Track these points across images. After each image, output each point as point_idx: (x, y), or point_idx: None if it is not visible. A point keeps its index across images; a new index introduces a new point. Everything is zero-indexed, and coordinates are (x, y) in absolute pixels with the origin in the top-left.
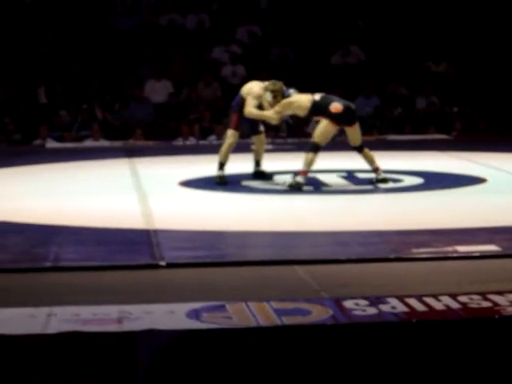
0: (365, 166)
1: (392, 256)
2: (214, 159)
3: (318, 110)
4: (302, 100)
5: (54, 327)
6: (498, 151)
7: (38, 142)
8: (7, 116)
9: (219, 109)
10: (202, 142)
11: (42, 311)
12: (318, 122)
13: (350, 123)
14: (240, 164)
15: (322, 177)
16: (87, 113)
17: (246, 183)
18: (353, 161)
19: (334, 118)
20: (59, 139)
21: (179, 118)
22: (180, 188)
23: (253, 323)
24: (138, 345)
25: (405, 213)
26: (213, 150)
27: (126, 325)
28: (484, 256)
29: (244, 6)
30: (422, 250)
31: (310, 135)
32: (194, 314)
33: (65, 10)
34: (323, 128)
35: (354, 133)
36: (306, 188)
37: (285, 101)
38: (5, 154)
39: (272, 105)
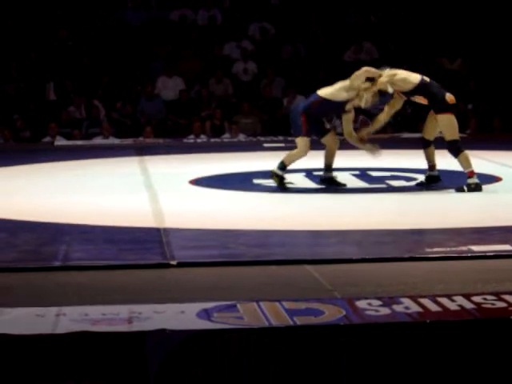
0: (377, 164)
1: (405, 256)
2: (226, 157)
3: (427, 93)
4: (407, 74)
5: (62, 327)
6: (496, 149)
7: (47, 139)
8: (16, 112)
9: (231, 106)
10: (213, 140)
11: (51, 311)
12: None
13: None
14: (252, 162)
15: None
16: (97, 110)
17: (257, 181)
18: (365, 159)
19: (451, 108)
20: (68, 137)
21: (190, 115)
22: (191, 186)
23: (264, 323)
24: (147, 345)
25: (418, 212)
26: (224, 147)
27: (136, 325)
28: (499, 255)
29: (256, 2)
30: (435, 249)
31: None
32: (205, 314)
33: (76, 6)
34: (449, 124)
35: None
36: (318, 187)
37: (389, 72)
38: (14, 152)
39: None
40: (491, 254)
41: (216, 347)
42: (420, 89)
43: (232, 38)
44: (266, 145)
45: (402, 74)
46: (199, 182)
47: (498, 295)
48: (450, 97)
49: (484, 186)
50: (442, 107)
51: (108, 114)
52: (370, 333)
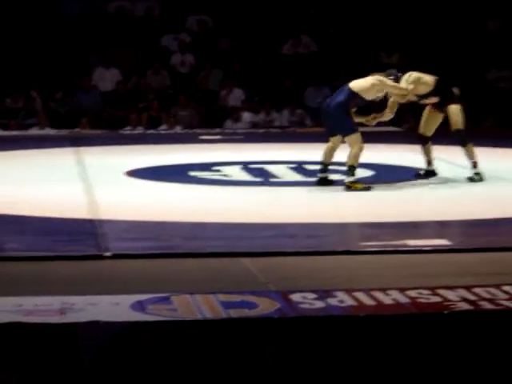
0: (313, 157)
1: (340, 249)
2: (162, 149)
3: (443, 90)
4: (426, 76)
5: None
6: (449, 144)
7: None
8: None
9: (168, 97)
10: (149, 132)
11: None
12: None
13: None
14: (188, 154)
15: (270, 168)
16: (34, 101)
17: (193, 173)
18: (302, 152)
19: (459, 100)
20: (4, 127)
21: (127, 106)
22: (127, 178)
23: (198, 316)
24: (80, 336)
25: (354, 205)
26: (161, 139)
27: (69, 316)
28: (434, 250)
29: None
30: (370, 243)
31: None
32: (139, 306)
33: None
34: (459, 114)
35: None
36: (254, 180)
37: (414, 75)
38: None
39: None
40: (427, 248)
41: (150, 339)
42: (435, 90)
43: (170, 30)
44: (202, 137)
45: (424, 77)
46: (135, 173)
47: (432, 290)
48: (456, 90)
49: (420, 181)
50: (450, 99)
51: (46, 105)
52: (303, 326)
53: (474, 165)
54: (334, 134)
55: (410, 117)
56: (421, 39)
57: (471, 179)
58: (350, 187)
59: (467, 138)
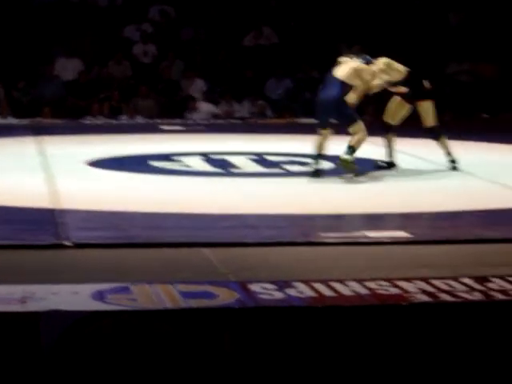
0: (274, 148)
1: (300, 240)
2: (123, 139)
3: (414, 83)
4: (398, 64)
5: None
6: (410, 136)
7: None
8: None
9: (129, 88)
10: (111, 122)
11: None
12: None
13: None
14: (149, 144)
15: (231, 159)
16: None
17: (153, 164)
18: (263, 144)
19: (430, 95)
20: None
21: (89, 96)
22: (88, 168)
23: (157, 305)
24: (41, 325)
25: (314, 197)
26: (122, 129)
27: (30, 305)
28: (393, 242)
29: None
30: (330, 234)
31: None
32: (99, 295)
33: None
34: (429, 111)
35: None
36: (214, 170)
37: (386, 60)
38: None
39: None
40: (386, 240)
41: (109, 328)
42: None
43: (132, 21)
44: (163, 127)
45: (396, 64)
46: (96, 163)
47: (391, 281)
48: (427, 83)
49: (380, 173)
50: (421, 94)
51: (8, 94)
52: (263, 316)
53: (448, 154)
54: (325, 127)
55: (371, 109)
56: (381, 31)
57: (454, 168)
58: (342, 162)
59: (440, 132)
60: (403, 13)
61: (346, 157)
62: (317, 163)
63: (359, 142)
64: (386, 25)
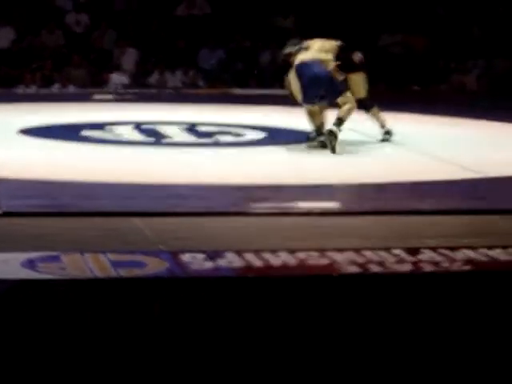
0: (206, 119)
1: (231, 210)
2: (56, 108)
3: (343, 56)
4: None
5: None
6: None
7: None
8: None
9: (62, 57)
10: (43, 91)
11: None
12: None
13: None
14: (81, 113)
15: (162, 129)
16: None
17: (86, 133)
18: (195, 114)
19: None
20: None
21: (21, 65)
22: (20, 136)
23: (88, 274)
24: None
25: (245, 168)
26: (55, 98)
27: None
28: (323, 213)
29: None
30: (261, 204)
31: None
32: (29, 264)
33: None
34: (359, 84)
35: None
36: (146, 140)
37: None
38: None
39: None
40: (317, 211)
41: (40, 297)
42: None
43: None
44: (95, 97)
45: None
46: (28, 132)
47: (322, 252)
48: (358, 56)
49: (311, 144)
50: (350, 67)
51: None
52: (192, 286)
53: (382, 125)
54: (314, 103)
55: None
56: (315, 2)
57: (386, 139)
58: (329, 134)
59: (370, 103)
60: None
61: (334, 128)
62: (319, 134)
63: (348, 112)
64: None
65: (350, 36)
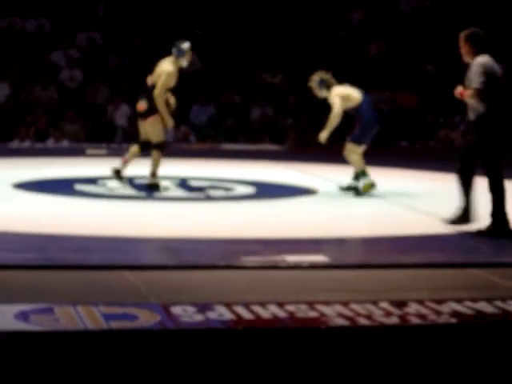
0: (197, 173)
1: (221, 264)
2: (49, 162)
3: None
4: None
5: None
6: (330, 163)
7: None
8: None
9: (56, 112)
10: (37, 145)
11: None
12: None
13: None
14: (75, 168)
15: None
16: None
17: (79, 187)
18: (187, 168)
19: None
20: None
21: (16, 120)
22: (14, 190)
23: (80, 327)
24: None
25: (235, 221)
26: (48, 153)
27: None
28: (312, 266)
29: (83, 11)
30: (250, 258)
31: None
32: (22, 316)
33: None
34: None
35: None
36: (138, 194)
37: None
38: None
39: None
40: (305, 264)
41: (32, 349)
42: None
43: (60, 46)
44: (89, 151)
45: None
46: (22, 186)
47: (310, 305)
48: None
49: (300, 198)
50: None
51: None
52: (183, 339)
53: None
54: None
55: (292, 135)
56: (304, 60)
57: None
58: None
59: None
60: (326, 44)
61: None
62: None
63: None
64: (310, 54)
65: None
